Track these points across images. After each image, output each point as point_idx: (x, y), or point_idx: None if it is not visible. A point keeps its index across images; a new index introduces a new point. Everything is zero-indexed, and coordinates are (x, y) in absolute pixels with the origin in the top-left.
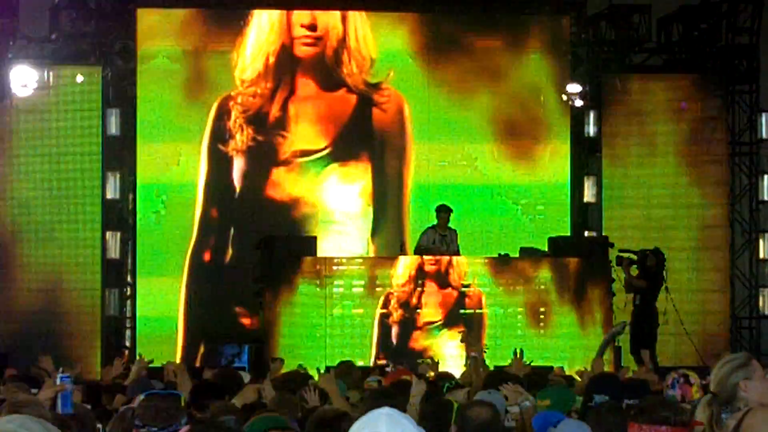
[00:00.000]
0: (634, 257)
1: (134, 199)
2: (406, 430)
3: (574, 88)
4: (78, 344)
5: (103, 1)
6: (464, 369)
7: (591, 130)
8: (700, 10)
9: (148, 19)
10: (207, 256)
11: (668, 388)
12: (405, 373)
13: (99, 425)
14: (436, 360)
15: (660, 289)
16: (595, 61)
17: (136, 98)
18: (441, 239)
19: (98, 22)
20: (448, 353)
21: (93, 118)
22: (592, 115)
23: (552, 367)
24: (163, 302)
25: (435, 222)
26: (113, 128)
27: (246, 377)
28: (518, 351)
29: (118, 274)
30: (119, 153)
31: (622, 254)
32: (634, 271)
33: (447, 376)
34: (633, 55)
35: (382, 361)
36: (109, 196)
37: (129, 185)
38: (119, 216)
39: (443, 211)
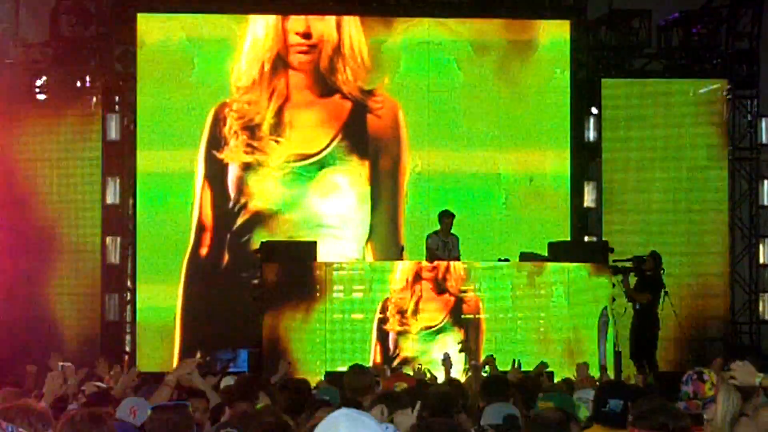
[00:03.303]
0: (629, 264)
1: (134, 204)
2: (368, 428)
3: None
4: (77, 349)
5: (103, 6)
6: (463, 375)
7: (591, 135)
8: (701, 15)
9: (147, 24)
10: (203, 262)
11: (683, 384)
12: (402, 378)
13: None
14: (426, 368)
15: (661, 293)
16: (595, 66)
17: (136, 103)
18: (443, 246)
19: (98, 27)
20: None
21: (93, 123)
22: (592, 120)
23: (552, 373)
24: (162, 308)
25: (435, 227)
26: (113, 133)
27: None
28: (517, 362)
29: (118, 279)
30: (119, 158)
31: (616, 263)
32: (632, 279)
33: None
34: (633, 60)
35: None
36: (108, 201)
37: (129, 190)
38: (119, 221)
39: (446, 217)
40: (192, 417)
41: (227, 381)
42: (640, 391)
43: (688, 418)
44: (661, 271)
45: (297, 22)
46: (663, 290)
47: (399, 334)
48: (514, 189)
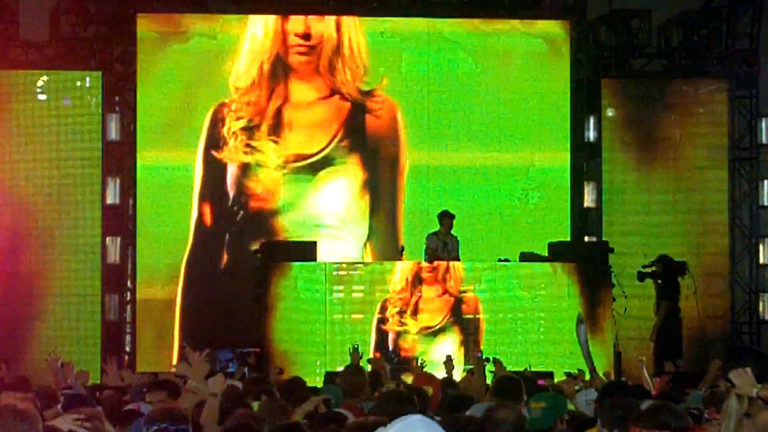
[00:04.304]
0: (654, 269)
1: (134, 205)
2: None
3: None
4: (77, 350)
5: (104, 7)
6: (463, 375)
7: (591, 135)
8: (700, 15)
9: (147, 24)
10: (202, 262)
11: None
12: (429, 380)
13: None
14: (425, 366)
15: (678, 294)
16: (595, 66)
17: (136, 103)
18: (443, 246)
19: (98, 27)
20: (444, 359)
21: (93, 123)
22: (592, 120)
23: (552, 373)
24: (162, 308)
25: (434, 227)
26: (113, 133)
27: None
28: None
29: (118, 279)
30: (119, 158)
31: (643, 270)
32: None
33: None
34: (633, 60)
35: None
36: (109, 201)
37: (129, 190)
38: (119, 221)
39: (446, 218)
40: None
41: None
42: (642, 391)
43: (689, 418)
44: (687, 272)
45: (296, 23)
46: (693, 289)
47: (398, 334)
48: (514, 189)
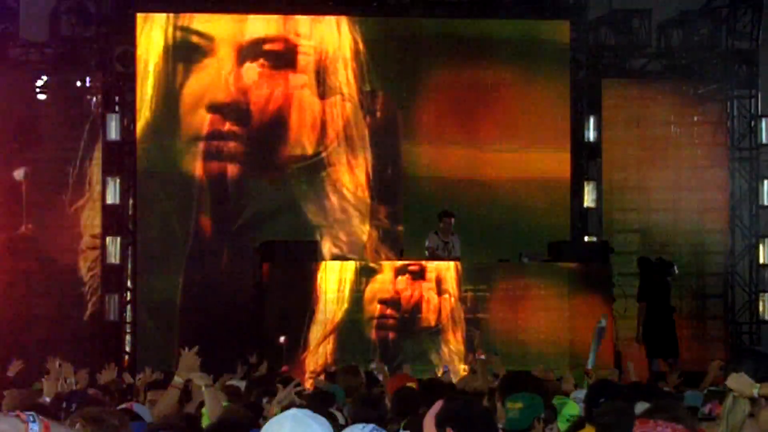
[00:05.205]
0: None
1: (134, 205)
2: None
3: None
4: (78, 349)
5: (103, 7)
6: (462, 374)
7: (591, 135)
8: (700, 15)
9: (147, 24)
10: (203, 262)
11: (700, 406)
12: (407, 379)
13: None
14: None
15: (663, 294)
16: (595, 66)
17: (136, 103)
18: (444, 246)
19: (98, 27)
20: (445, 359)
21: (93, 123)
22: (592, 120)
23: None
24: (163, 308)
25: (434, 227)
26: (113, 133)
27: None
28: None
29: (118, 279)
30: (119, 158)
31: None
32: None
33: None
34: (633, 60)
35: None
36: (109, 201)
37: (129, 190)
38: (119, 221)
39: (446, 217)
40: None
41: (224, 379)
42: (633, 391)
43: (696, 421)
44: (673, 272)
45: (298, 23)
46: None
47: (399, 333)
48: (514, 189)
